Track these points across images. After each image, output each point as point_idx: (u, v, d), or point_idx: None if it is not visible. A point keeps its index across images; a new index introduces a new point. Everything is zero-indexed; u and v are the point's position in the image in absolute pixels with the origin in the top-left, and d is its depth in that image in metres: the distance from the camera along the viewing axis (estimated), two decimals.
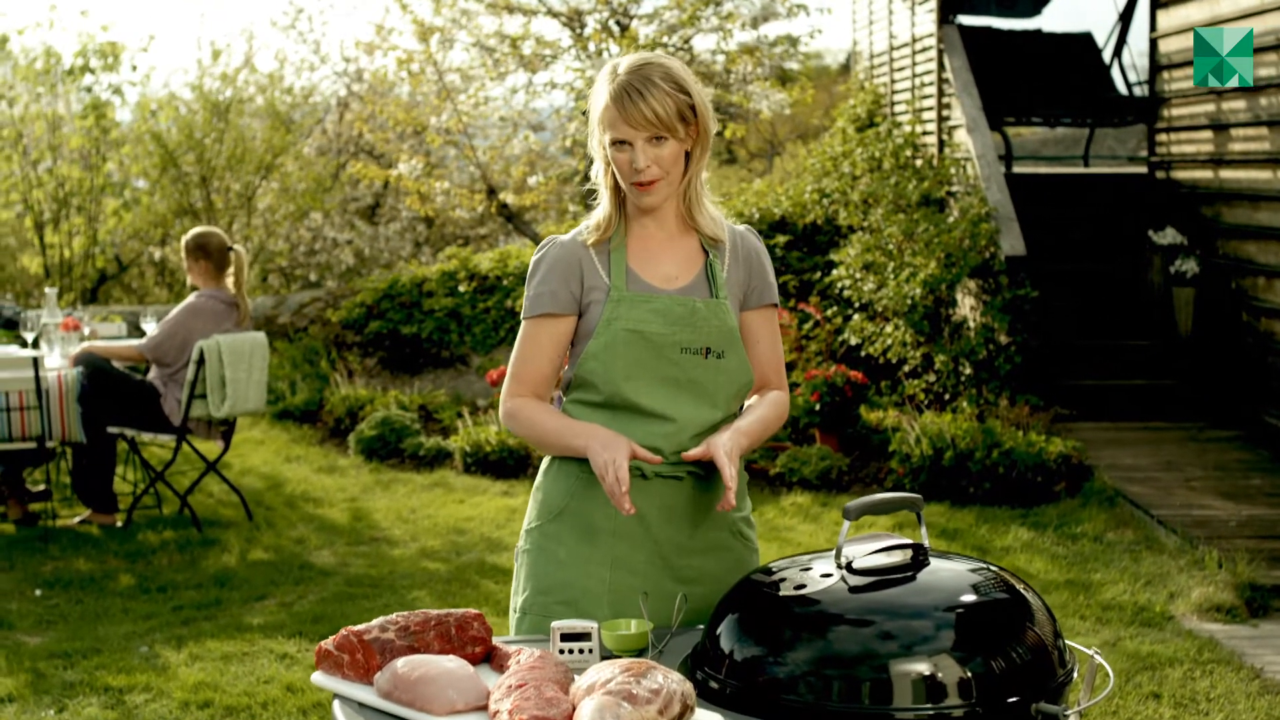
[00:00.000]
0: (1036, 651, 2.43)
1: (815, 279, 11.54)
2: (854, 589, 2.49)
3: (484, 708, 2.48)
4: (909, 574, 2.53)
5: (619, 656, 2.72)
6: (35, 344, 8.30)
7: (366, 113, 15.41)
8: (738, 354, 3.08)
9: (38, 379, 7.53)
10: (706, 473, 3.07)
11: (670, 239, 3.12)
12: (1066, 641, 2.55)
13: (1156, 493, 8.03)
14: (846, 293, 10.50)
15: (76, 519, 8.15)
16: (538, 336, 3.08)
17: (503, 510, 8.32)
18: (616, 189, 3.09)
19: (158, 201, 16.20)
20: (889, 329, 9.85)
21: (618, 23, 12.38)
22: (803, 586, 2.52)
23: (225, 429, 8.18)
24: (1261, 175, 9.84)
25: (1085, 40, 13.11)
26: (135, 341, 8.03)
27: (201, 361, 7.70)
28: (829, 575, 2.53)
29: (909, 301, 9.56)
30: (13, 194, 15.30)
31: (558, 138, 14.32)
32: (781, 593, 2.54)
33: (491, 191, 12.75)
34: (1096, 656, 2.48)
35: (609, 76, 3.00)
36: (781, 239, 11.85)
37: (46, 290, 8.43)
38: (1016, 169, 12.98)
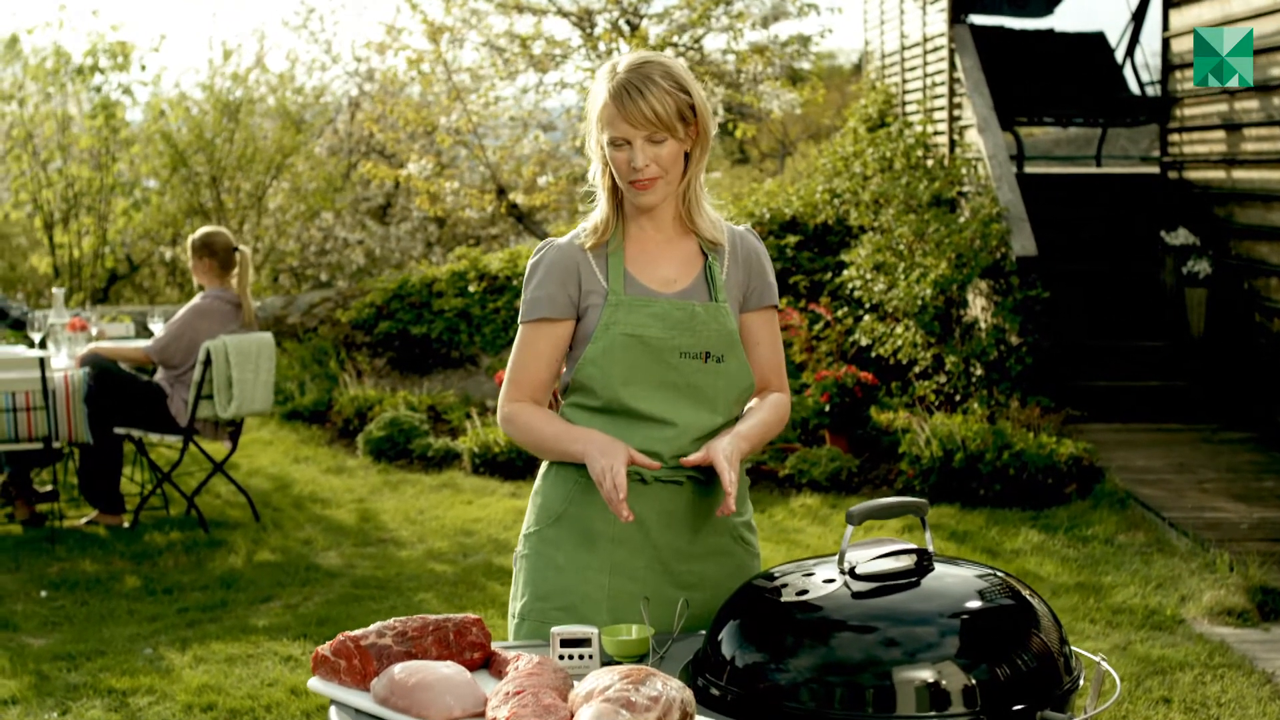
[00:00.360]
0: (1042, 658, 2.40)
1: (826, 279, 11.51)
2: (857, 595, 2.46)
3: (481, 714, 2.46)
4: (913, 579, 2.50)
5: (619, 662, 2.69)
6: (42, 344, 8.29)
7: (377, 113, 15.40)
8: (738, 358, 3.04)
9: (44, 379, 7.51)
10: (706, 478, 3.03)
11: (668, 241, 3.08)
12: (1073, 647, 2.52)
13: (1168, 495, 7.99)
14: (857, 293, 10.46)
15: (84, 520, 8.13)
16: (535, 341, 3.05)
17: (511, 511, 8.29)
18: (614, 190, 3.05)
19: (168, 201, 16.22)
20: (899, 330, 9.81)
21: (628, 22, 12.35)
22: (805, 592, 2.49)
23: (232, 430, 8.16)
24: (1274, 175, 9.79)
25: (1097, 40, 13.06)
26: (141, 343, 8.01)
27: (208, 362, 7.68)
28: (831, 581, 2.51)
29: (920, 302, 9.52)
30: (22, 194, 15.32)
31: (568, 137, 14.31)
32: (783, 598, 2.51)
33: (501, 191, 12.73)
34: (1103, 663, 2.44)
35: (608, 75, 2.97)
36: (792, 239, 11.81)
37: (54, 290, 8.41)
38: (1028, 169, 12.94)
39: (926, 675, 2.32)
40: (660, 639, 2.84)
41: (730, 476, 2.86)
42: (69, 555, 7.50)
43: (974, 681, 2.32)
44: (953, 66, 12.03)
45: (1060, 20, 40.38)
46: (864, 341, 10.17)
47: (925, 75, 13.05)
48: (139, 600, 6.76)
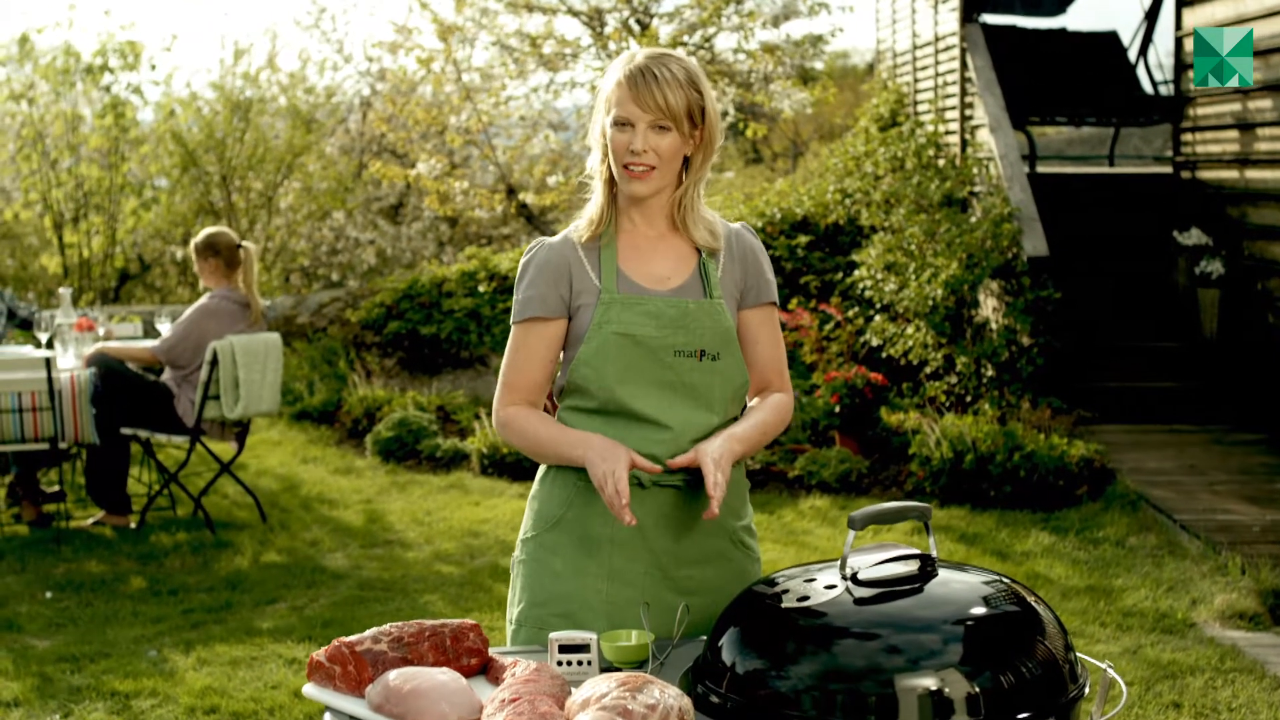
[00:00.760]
0: (1047, 665, 2.36)
1: (837, 279, 11.47)
2: (859, 601, 2.42)
3: None
4: (916, 585, 2.46)
5: (619, 668, 2.66)
6: (49, 344, 8.27)
7: (388, 113, 15.38)
8: (733, 356, 3.00)
9: (50, 380, 7.49)
10: (700, 480, 2.99)
11: (660, 237, 3.04)
12: (1079, 654, 2.48)
13: (1179, 497, 7.94)
14: (868, 293, 10.42)
15: (90, 520, 8.12)
16: (528, 342, 3.01)
17: (518, 513, 8.25)
18: (610, 182, 3.02)
19: (179, 201, 16.21)
20: (910, 330, 9.77)
21: (638, 21, 12.33)
22: (806, 598, 2.45)
23: (239, 430, 8.14)
24: None
25: (1110, 39, 13.01)
26: (149, 343, 7.99)
27: (215, 362, 7.65)
28: (833, 586, 2.46)
29: (930, 302, 9.48)
30: (32, 193, 15.32)
31: (579, 137, 14.29)
32: (784, 604, 2.47)
33: (511, 191, 12.71)
34: (1109, 670, 2.40)
35: (625, 60, 2.95)
36: (803, 239, 11.78)
37: (61, 290, 8.39)
38: (1041, 169, 12.90)
39: (929, 683, 2.28)
40: (660, 645, 2.80)
41: (715, 479, 2.81)
42: (75, 556, 7.48)
43: (977, 689, 2.28)
44: (964, 66, 11.99)
45: (1073, 19, 40.25)
46: (875, 342, 10.13)
47: (937, 74, 13.01)
48: (144, 602, 6.73)
